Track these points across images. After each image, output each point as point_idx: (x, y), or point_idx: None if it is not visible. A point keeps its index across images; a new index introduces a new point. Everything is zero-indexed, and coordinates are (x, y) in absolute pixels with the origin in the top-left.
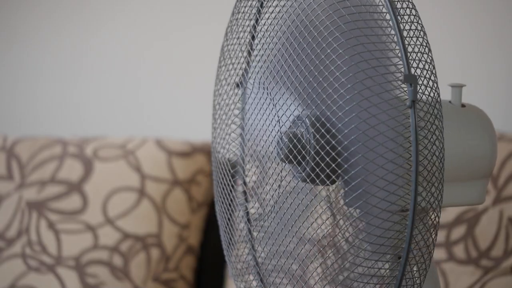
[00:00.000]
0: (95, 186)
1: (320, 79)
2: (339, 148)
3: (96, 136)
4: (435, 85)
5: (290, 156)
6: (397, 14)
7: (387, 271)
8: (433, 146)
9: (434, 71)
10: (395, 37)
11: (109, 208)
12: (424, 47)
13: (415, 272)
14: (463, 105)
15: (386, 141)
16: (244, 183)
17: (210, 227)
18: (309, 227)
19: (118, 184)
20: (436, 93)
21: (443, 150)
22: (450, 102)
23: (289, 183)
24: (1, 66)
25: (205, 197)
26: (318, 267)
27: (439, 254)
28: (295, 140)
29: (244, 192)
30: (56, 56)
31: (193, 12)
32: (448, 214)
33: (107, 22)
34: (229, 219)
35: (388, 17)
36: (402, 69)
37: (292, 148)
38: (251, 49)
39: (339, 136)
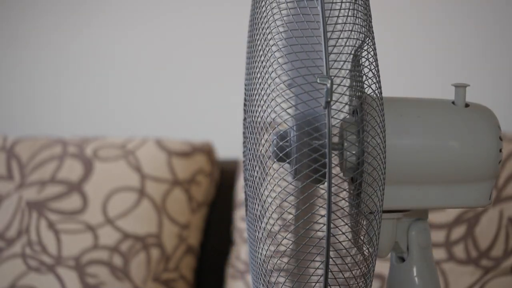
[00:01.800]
0: (95, 186)
1: (291, 78)
2: (288, 148)
3: (96, 136)
4: (375, 84)
5: (281, 154)
6: (326, 15)
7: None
8: (358, 148)
9: (371, 73)
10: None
11: (109, 208)
12: (365, 48)
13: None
14: (467, 105)
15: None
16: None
17: (210, 227)
18: (308, 227)
19: (118, 184)
20: (376, 92)
21: (383, 153)
22: (453, 102)
23: (289, 183)
24: (1, 66)
25: (205, 197)
26: (318, 266)
27: (439, 254)
28: (281, 142)
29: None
30: (56, 56)
31: (194, 12)
32: (448, 214)
33: (107, 22)
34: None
35: (319, 18)
36: (322, 70)
37: (281, 148)
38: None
39: (288, 136)
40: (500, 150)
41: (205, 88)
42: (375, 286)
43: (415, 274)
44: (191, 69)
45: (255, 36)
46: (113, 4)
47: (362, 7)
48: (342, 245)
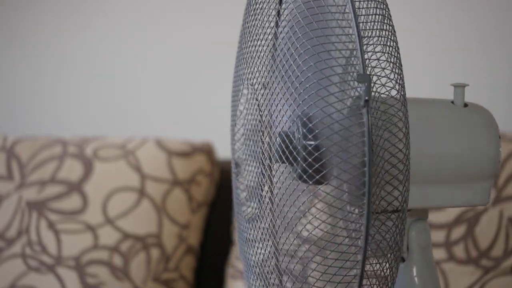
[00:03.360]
0: (95, 186)
1: (302, 79)
2: (310, 148)
3: (96, 136)
4: (399, 83)
5: (283, 156)
6: (357, 14)
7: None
8: (392, 146)
9: (396, 70)
10: (354, 37)
11: (109, 208)
12: (389, 47)
13: (383, 271)
14: (465, 105)
15: (340, 141)
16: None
17: (210, 227)
18: (306, 224)
19: (118, 184)
20: (400, 91)
21: (408, 152)
22: (452, 102)
23: (289, 183)
24: (1, 66)
25: (205, 197)
26: (317, 266)
27: (439, 254)
28: (286, 141)
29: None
30: (56, 56)
31: (195, 13)
32: (448, 214)
33: (107, 22)
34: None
35: (350, 16)
36: (358, 69)
37: (285, 149)
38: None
39: (310, 136)
40: (499, 150)
41: (205, 88)
42: None
43: (415, 274)
44: (191, 70)
45: (252, 29)
46: (113, 5)
47: (383, 10)
48: (381, 248)
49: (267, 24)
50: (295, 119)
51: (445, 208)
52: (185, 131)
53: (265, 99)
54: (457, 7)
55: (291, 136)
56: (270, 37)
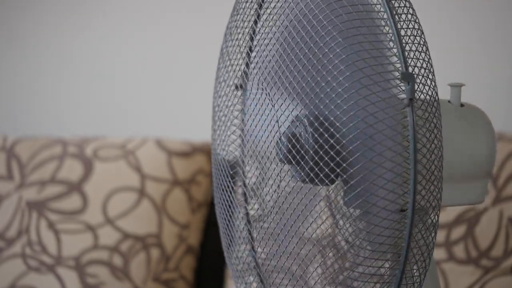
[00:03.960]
0: (95, 186)
1: (318, 78)
2: (338, 147)
3: (96, 136)
4: (433, 83)
5: (289, 156)
6: (394, 13)
7: (387, 270)
8: (432, 144)
9: (432, 70)
10: (392, 35)
11: (109, 208)
12: (422, 46)
13: (415, 271)
14: (462, 105)
15: (384, 139)
16: (244, 184)
17: (210, 227)
18: (308, 227)
19: (118, 184)
20: (434, 91)
21: (442, 148)
22: (449, 101)
23: (288, 183)
24: (1, 66)
25: (205, 197)
26: (317, 266)
27: (439, 254)
28: (293, 140)
29: (244, 194)
30: (56, 56)
31: (195, 13)
32: (448, 214)
33: (107, 22)
34: (229, 221)
35: (385, 16)
36: (400, 68)
37: (291, 148)
38: (250, 50)
39: (337, 135)
40: (495, 149)
41: (205, 88)
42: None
43: None
44: (191, 70)
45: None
46: (113, 5)
47: (412, 10)
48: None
49: (246, 24)
50: (302, 119)
51: (443, 207)
52: (185, 131)
53: (264, 99)
54: (458, 7)
55: (297, 136)
56: (247, 37)
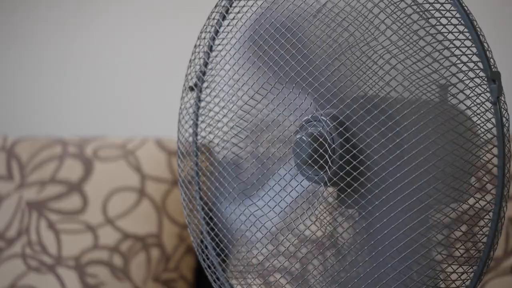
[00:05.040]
0: (95, 186)
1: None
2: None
3: (96, 136)
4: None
5: (310, 160)
6: (471, 18)
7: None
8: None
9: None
10: (470, 35)
11: (109, 208)
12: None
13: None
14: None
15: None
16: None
17: None
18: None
19: (118, 184)
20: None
21: None
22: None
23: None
24: (1, 66)
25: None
26: (319, 265)
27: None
28: (321, 139)
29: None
30: (56, 56)
31: (195, 13)
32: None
33: (108, 22)
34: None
35: (458, 15)
36: (482, 69)
37: (317, 149)
38: (211, 50)
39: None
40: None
41: None
42: None
43: None
44: None
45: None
46: (113, 5)
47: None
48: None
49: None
50: (326, 119)
51: None
52: None
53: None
54: None
55: (322, 138)
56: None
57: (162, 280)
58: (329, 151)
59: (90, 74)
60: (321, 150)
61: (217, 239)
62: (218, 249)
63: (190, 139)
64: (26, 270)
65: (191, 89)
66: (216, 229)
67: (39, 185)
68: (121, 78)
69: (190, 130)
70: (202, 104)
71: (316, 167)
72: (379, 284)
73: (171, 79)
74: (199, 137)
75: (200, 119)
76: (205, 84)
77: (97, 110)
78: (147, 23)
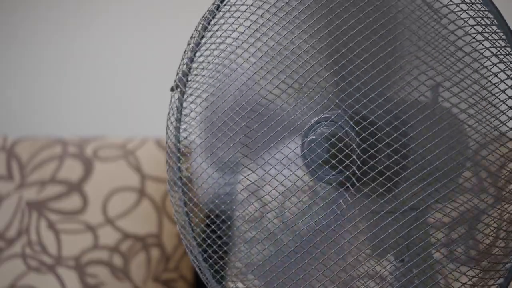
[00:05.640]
0: (95, 186)
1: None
2: (405, 151)
3: (96, 136)
4: None
5: (333, 161)
6: (503, 18)
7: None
8: None
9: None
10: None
11: (109, 208)
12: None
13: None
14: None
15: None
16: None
17: None
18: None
19: (118, 184)
20: None
21: None
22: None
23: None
24: (1, 66)
25: None
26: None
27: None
28: (346, 139)
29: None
30: (56, 56)
31: (195, 13)
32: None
33: (108, 22)
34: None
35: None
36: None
37: (341, 150)
38: (198, 49)
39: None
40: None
41: None
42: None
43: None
44: None
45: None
46: (113, 5)
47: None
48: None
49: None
50: (346, 118)
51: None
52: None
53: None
54: None
55: (344, 138)
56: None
57: (162, 280)
58: (358, 151)
59: (90, 74)
60: (345, 150)
61: (204, 245)
62: (205, 255)
63: (174, 139)
64: (26, 270)
65: (172, 89)
66: (204, 235)
67: (39, 185)
68: (121, 78)
69: (174, 132)
70: (184, 105)
71: (341, 167)
72: None
73: (171, 79)
74: (181, 138)
75: (183, 120)
76: (188, 88)
77: (97, 110)
78: (147, 23)
